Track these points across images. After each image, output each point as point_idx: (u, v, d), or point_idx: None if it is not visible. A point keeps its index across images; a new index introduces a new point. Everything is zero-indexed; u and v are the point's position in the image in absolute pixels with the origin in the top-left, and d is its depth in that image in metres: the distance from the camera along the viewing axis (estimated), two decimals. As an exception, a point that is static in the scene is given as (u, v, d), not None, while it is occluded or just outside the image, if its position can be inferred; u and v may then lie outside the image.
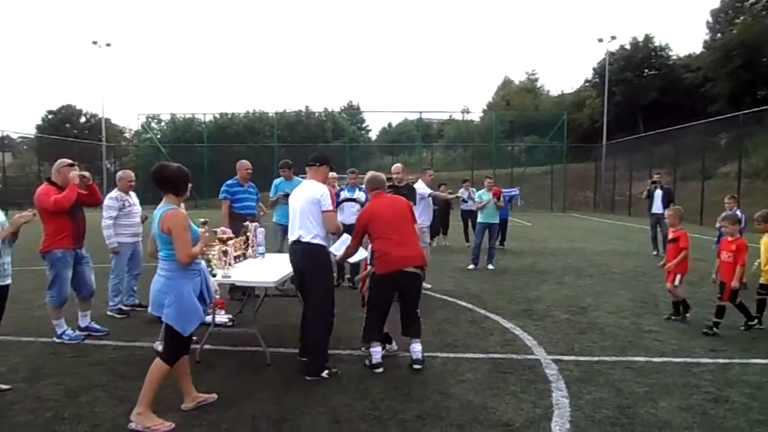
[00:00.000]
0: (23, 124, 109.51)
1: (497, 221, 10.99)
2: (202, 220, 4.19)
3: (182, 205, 3.89)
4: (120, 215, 6.56)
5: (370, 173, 5.35)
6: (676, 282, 6.61)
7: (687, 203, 22.32)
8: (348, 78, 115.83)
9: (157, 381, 3.67)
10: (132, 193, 6.83)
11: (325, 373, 4.58)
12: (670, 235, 6.89)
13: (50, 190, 5.39)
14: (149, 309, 3.84)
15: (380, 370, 4.72)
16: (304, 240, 4.67)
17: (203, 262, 4.01)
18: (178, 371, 3.87)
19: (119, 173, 6.95)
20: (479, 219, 10.84)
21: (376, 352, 4.82)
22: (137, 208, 6.81)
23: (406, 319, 4.94)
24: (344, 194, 8.54)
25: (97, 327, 5.88)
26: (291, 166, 8.52)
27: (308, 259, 4.67)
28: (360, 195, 8.38)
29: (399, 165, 8.32)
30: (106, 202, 6.42)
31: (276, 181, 8.48)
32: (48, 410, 3.89)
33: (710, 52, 34.45)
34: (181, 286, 3.66)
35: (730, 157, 24.06)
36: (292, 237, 4.80)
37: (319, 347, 4.66)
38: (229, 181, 7.69)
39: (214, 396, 4.05)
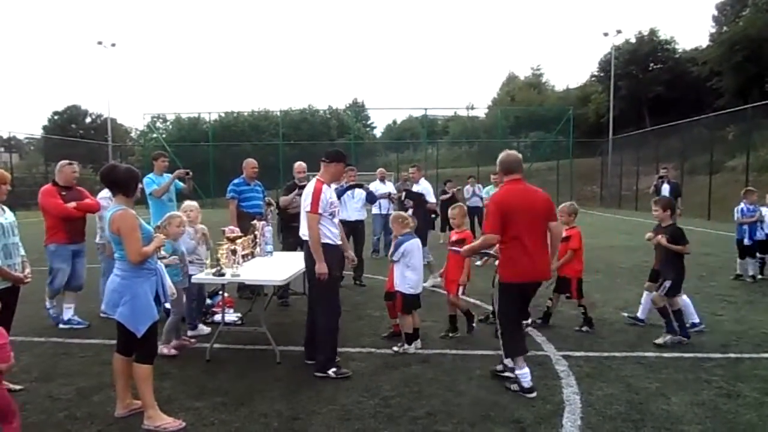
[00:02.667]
0: (30, 125, 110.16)
1: None
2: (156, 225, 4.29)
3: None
4: None
5: (504, 153, 4.62)
6: (461, 292, 5.87)
7: (694, 197, 22.23)
8: (353, 75, 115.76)
9: (147, 381, 3.70)
10: None
11: (332, 371, 4.54)
12: (453, 237, 6.02)
13: (54, 192, 5.97)
14: (102, 307, 3.83)
15: (533, 395, 4.11)
16: (305, 238, 4.70)
17: (160, 263, 4.01)
18: (117, 373, 3.82)
19: None
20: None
21: (525, 374, 4.17)
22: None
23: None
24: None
25: (79, 320, 6.20)
26: (167, 157, 7.61)
27: (309, 257, 4.67)
28: (360, 192, 8.34)
29: (302, 163, 7.90)
30: (101, 202, 6.49)
31: (151, 175, 7.21)
32: (61, 410, 3.92)
33: (716, 46, 34.15)
34: (136, 286, 3.65)
35: (737, 150, 23.87)
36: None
37: (325, 343, 4.64)
38: (236, 180, 7.67)
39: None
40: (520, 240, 4.20)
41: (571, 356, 5.03)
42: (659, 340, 5.34)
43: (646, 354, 5.09)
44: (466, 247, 4.92)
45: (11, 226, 4.30)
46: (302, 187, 7.35)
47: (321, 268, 4.56)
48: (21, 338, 5.60)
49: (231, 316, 6.22)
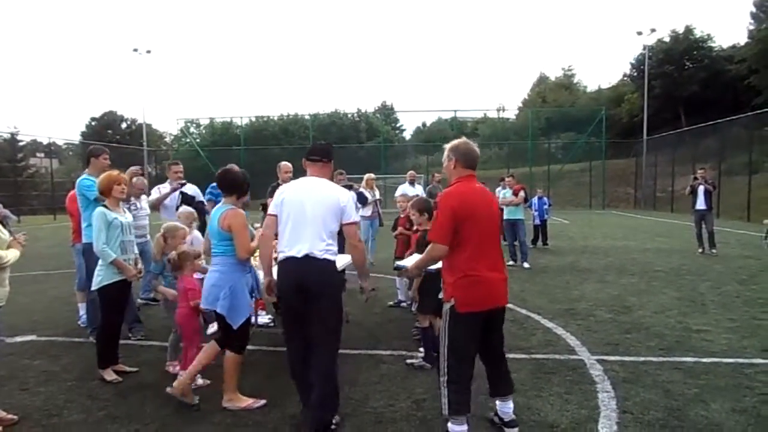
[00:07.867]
0: (68, 131, 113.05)
1: (520, 217, 10.79)
2: (257, 225, 4.55)
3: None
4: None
5: (458, 143, 3.61)
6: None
7: (732, 199, 21.69)
8: (381, 78, 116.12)
9: (234, 370, 4.01)
10: (143, 197, 7.14)
11: (336, 419, 3.67)
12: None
13: None
14: (201, 303, 4.05)
15: None
16: (316, 256, 3.51)
17: (253, 261, 4.23)
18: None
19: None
20: (504, 217, 10.73)
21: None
22: (144, 212, 7.09)
23: (492, 372, 3.70)
24: None
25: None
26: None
27: (322, 278, 3.54)
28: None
29: (287, 164, 7.36)
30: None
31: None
32: (100, 409, 4.02)
33: (755, 43, 33.21)
34: (235, 281, 3.89)
35: (778, 150, 23.25)
36: (294, 251, 3.54)
37: (336, 392, 3.63)
38: (214, 184, 7.31)
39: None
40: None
41: (606, 360, 4.94)
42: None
43: (684, 359, 4.97)
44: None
45: (129, 225, 4.72)
46: None
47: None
48: (62, 338, 5.79)
49: (263, 318, 6.29)
